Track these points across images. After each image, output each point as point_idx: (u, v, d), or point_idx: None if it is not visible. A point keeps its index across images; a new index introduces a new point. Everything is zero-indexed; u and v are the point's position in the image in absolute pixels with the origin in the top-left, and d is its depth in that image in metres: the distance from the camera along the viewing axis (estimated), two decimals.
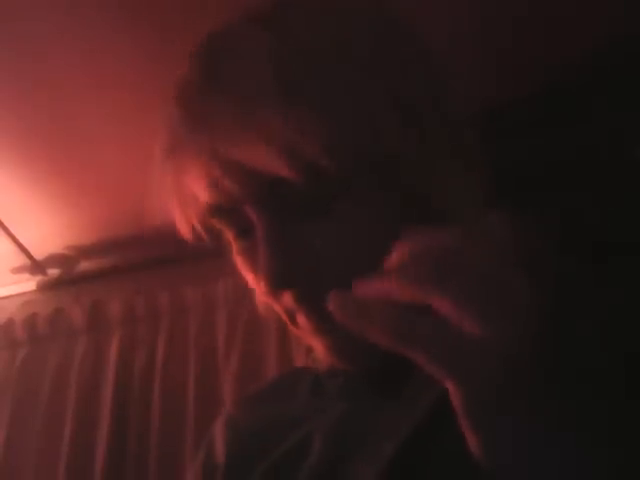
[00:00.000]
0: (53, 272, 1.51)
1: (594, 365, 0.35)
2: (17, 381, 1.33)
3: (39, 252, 1.46)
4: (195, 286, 1.31)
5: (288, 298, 0.48)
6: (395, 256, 0.36)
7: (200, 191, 0.49)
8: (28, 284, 1.52)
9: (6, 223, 1.38)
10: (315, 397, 0.56)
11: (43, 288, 1.51)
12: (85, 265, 1.48)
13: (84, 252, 1.46)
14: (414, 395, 0.46)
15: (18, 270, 1.50)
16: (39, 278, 1.51)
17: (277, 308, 0.51)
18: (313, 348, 0.53)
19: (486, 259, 0.34)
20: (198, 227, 0.54)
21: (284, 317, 0.51)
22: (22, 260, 1.47)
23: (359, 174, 0.45)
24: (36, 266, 1.49)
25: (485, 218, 0.39)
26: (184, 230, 0.56)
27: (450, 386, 0.32)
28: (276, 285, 0.46)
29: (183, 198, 0.53)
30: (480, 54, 1.07)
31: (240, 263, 0.52)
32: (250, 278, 0.52)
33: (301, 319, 0.48)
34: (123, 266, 1.44)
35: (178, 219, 0.57)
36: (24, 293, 1.52)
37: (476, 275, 0.33)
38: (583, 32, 1.04)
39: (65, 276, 1.49)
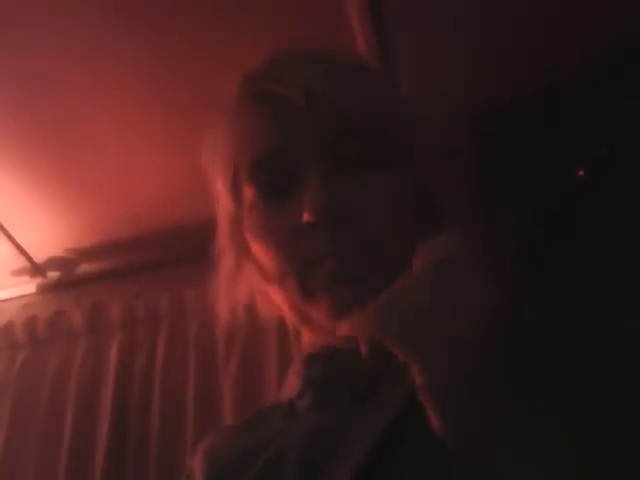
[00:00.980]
0: (53, 274, 1.51)
1: (542, 358, 0.39)
2: (17, 383, 1.33)
3: (39, 254, 1.46)
4: (195, 288, 1.30)
5: (321, 239, 0.52)
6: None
7: (259, 138, 0.57)
8: (28, 286, 1.51)
9: (6, 225, 1.38)
10: (287, 419, 0.57)
11: (43, 290, 1.51)
12: (85, 267, 1.48)
13: (84, 254, 1.46)
14: (381, 400, 0.48)
15: (18, 273, 1.50)
16: (39, 280, 1.51)
17: (299, 254, 0.54)
18: (307, 319, 0.56)
19: (459, 265, 0.40)
20: (228, 185, 0.60)
21: (300, 260, 0.54)
22: (22, 262, 1.47)
23: (400, 152, 0.56)
24: (36, 269, 1.49)
25: (462, 230, 0.47)
26: (219, 190, 0.63)
27: (415, 370, 0.36)
28: (324, 214, 0.50)
29: (230, 150, 0.60)
30: (480, 54, 1.07)
31: (258, 226, 0.57)
32: (266, 241, 0.56)
33: (325, 267, 0.52)
34: (123, 268, 1.44)
35: (214, 179, 0.64)
36: (24, 295, 1.52)
37: (442, 277, 0.39)
38: (583, 32, 1.03)
39: (65, 278, 1.49)
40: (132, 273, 1.43)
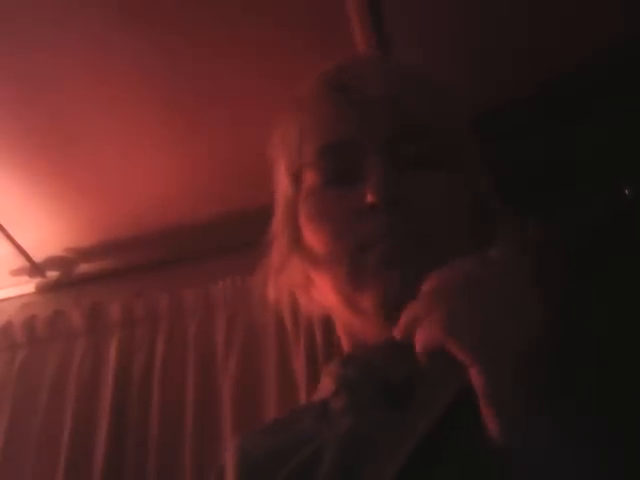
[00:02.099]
0: (52, 274, 1.50)
1: (590, 369, 0.40)
2: (16, 383, 1.32)
3: (38, 254, 1.46)
4: (194, 288, 1.30)
5: (379, 222, 0.55)
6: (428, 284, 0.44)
7: (331, 124, 0.61)
8: (27, 286, 1.51)
9: (5, 225, 1.38)
10: (320, 420, 0.58)
11: (42, 290, 1.50)
12: (84, 267, 1.48)
13: (83, 254, 1.46)
14: (422, 402, 0.48)
15: (17, 272, 1.50)
16: (38, 280, 1.51)
17: (357, 231, 0.56)
18: (359, 296, 0.57)
19: (505, 281, 0.41)
20: (291, 169, 0.63)
21: (354, 243, 0.56)
22: (21, 262, 1.47)
23: (459, 154, 0.62)
24: (35, 268, 1.48)
25: (501, 245, 0.47)
26: (280, 175, 0.66)
27: (474, 371, 0.38)
28: (386, 197, 0.54)
29: (300, 134, 0.63)
30: (480, 55, 1.07)
31: (315, 210, 0.60)
32: (321, 225, 0.59)
33: (379, 249, 0.54)
34: (122, 268, 1.44)
35: (278, 164, 0.67)
36: (23, 295, 1.51)
37: (497, 292, 0.40)
38: (583, 33, 1.03)
39: (64, 278, 1.49)
40: (131, 273, 1.43)
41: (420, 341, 0.40)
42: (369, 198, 0.55)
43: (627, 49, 1.03)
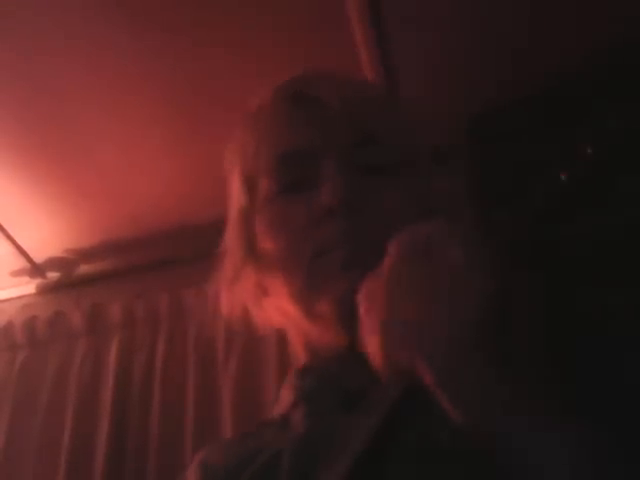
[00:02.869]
0: (53, 275, 1.50)
1: (527, 351, 0.42)
2: (17, 384, 1.33)
3: (39, 255, 1.46)
4: (195, 289, 1.30)
5: (338, 226, 0.55)
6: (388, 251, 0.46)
7: (287, 132, 0.62)
8: (28, 287, 1.51)
9: (5, 226, 1.38)
10: (282, 430, 0.58)
11: (43, 291, 1.51)
12: (85, 268, 1.48)
13: (84, 255, 1.46)
14: (370, 403, 0.49)
15: (18, 273, 1.50)
16: (39, 281, 1.51)
17: (315, 236, 0.57)
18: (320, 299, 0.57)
19: (451, 254, 0.43)
20: (244, 178, 0.64)
21: (312, 249, 0.57)
22: (22, 263, 1.47)
23: (417, 161, 0.64)
24: (36, 269, 1.48)
25: (456, 221, 0.48)
26: (234, 184, 0.67)
27: (420, 365, 0.40)
28: (344, 201, 0.55)
29: (256, 143, 0.64)
30: (480, 55, 1.07)
31: (273, 218, 0.61)
32: (279, 232, 0.59)
33: (338, 254, 0.55)
34: (123, 269, 1.44)
35: (231, 173, 0.68)
36: (24, 296, 1.52)
37: (433, 273, 0.42)
38: (583, 32, 1.03)
39: (65, 279, 1.49)
40: (132, 273, 1.43)
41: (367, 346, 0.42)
42: (326, 201, 0.56)
43: (627, 49, 1.03)
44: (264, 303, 0.65)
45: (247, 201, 0.64)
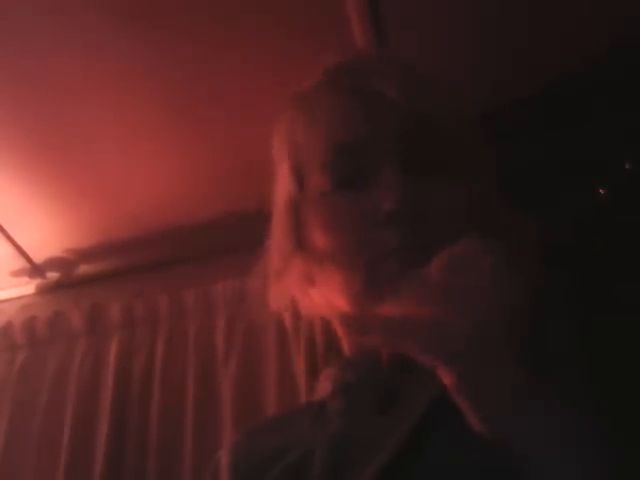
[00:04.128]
0: (52, 275, 1.50)
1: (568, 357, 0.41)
2: (16, 384, 1.32)
3: (38, 255, 1.46)
4: (194, 289, 1.30)
5: (397, 233, 0.54)
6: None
7: (345, 124, 0.59)
8: (27, 287, 1.51)
9: (5, 226, 1.38)
10: (316, 422, 0.59)
11: (42, 291, 1.50)
12: (84, 268, 1.48)
13: (83, 255, 1.46)
14: (404, 407, 0.49)
15: (17, 273, 1.50)
16: (38, 281, 1.51)
17: (374, 240, 0.55)
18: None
19: (484, 267, 0.41)
20: (295, 169, 0.62)
21: (371, 253, 0.55)
22: (21, 263, 1.47)
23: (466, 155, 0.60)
24: (35, 269, 1.48)
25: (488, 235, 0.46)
26: (281, 174, 0.65)
27: (441, 370, 0.38)
28: (407, 206, 0.53)
29: (306, 134, 0.62)
30: (480, 55, 1.07)
31: (328, 213, 0.59)
32: (337, 229, 0.58)
33: (396, 260, 0.53)
34: (122, 269, 1.44)
35: (279, 162, 0.65)
36: (23, 296, 1.52)
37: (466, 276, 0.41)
38: (583, 32, 1.03)
39: (64, 279, 1.49)
40: (131, 274, 1.43)
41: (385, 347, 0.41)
42: (387, 207, 0.54)
43: (627, 49, 1.03)
44: (310, 292, 0.64)
45: (296, 191, 0.63)
